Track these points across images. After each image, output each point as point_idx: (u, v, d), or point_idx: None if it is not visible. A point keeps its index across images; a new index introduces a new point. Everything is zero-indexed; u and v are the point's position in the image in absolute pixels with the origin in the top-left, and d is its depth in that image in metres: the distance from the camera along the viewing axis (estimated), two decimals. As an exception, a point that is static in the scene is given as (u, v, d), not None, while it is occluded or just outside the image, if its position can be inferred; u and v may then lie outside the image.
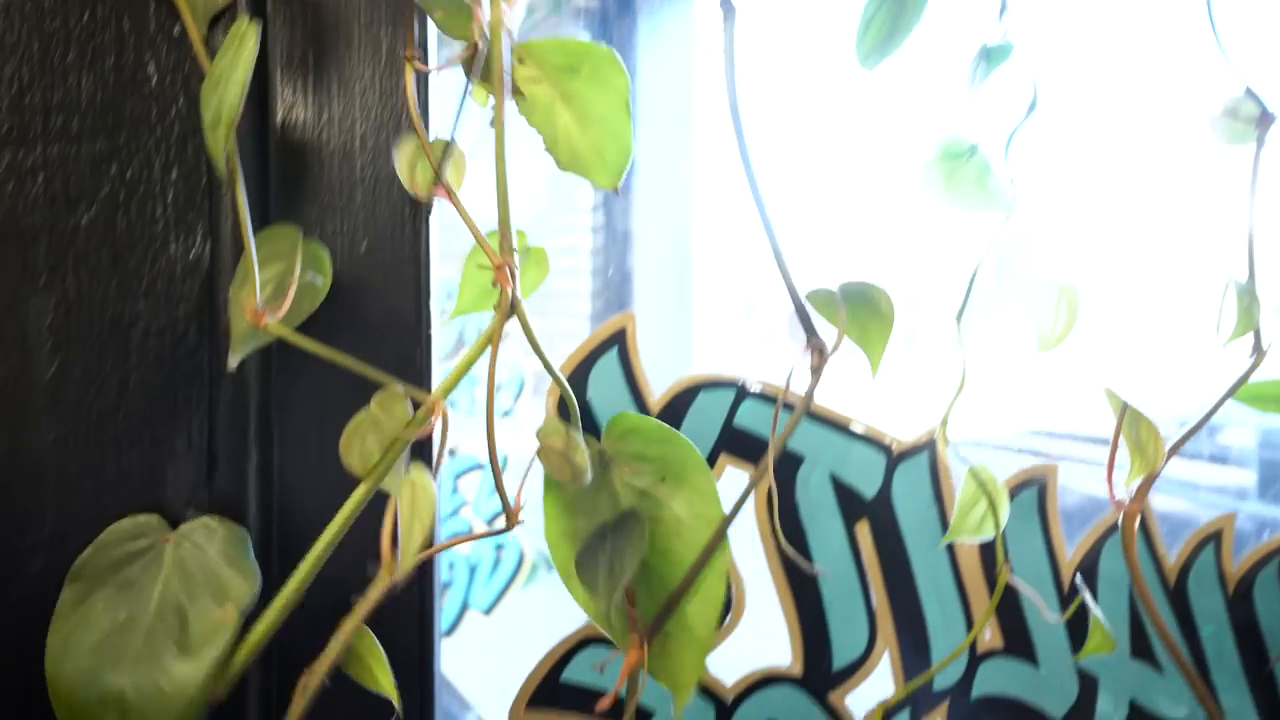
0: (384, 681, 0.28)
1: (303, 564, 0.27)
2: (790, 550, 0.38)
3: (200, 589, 0.27)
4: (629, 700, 0.29)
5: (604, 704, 0.30)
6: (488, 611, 1.20)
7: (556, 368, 0.32)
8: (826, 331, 0.32)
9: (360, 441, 0.28)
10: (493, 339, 0.28)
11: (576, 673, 0.38)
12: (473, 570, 1.20)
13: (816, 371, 0.31)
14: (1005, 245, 0.38)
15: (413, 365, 0.33)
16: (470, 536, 0.28)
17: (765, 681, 0.40)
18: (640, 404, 0.38)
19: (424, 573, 0.34)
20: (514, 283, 0.28)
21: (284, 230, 0.31)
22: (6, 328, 0.29)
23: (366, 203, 0.34)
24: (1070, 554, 0.42)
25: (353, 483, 0.33)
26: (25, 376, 0.29)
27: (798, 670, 0.40)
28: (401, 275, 0.34)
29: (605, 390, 0.38)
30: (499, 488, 0.29)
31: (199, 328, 0.31)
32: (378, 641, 0.28)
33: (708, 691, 0.40)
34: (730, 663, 0.40)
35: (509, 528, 0.29)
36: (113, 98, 0.30)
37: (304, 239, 0.31)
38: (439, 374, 0.35)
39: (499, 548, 1.18)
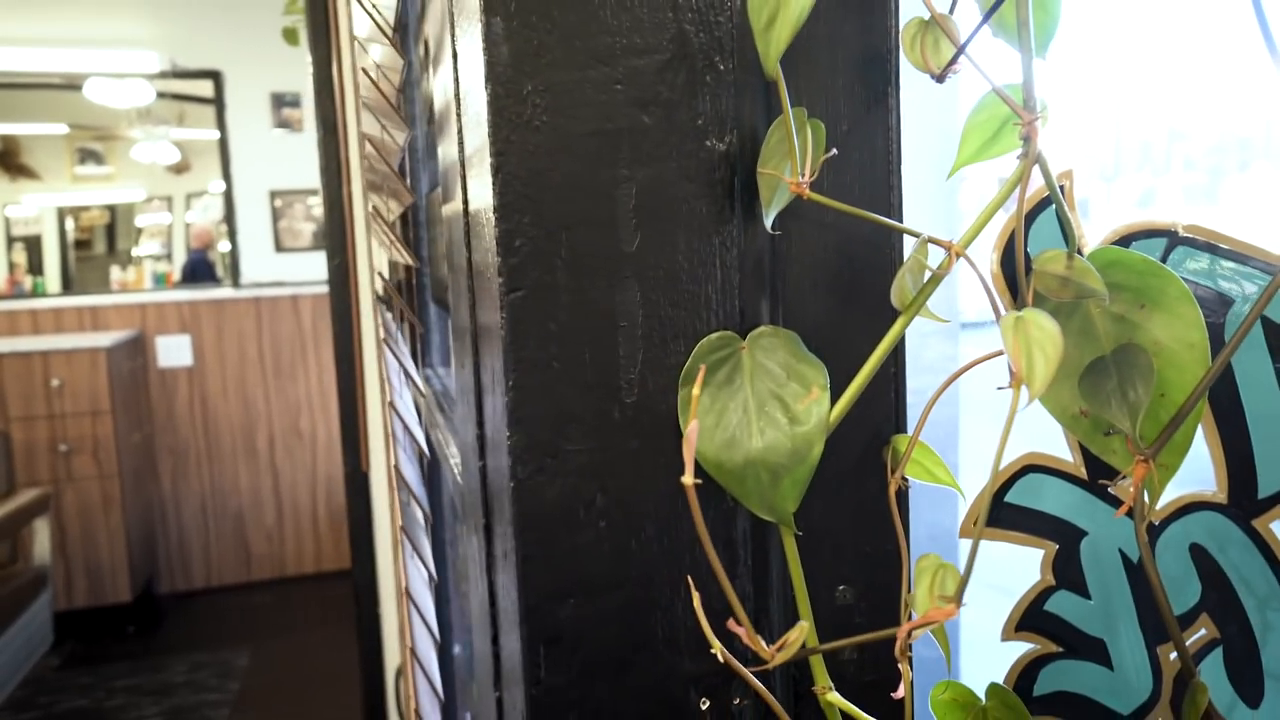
0: (943, 476, 0.35)
1: (859, 374, 0.35)
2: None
3: (785, 380, 0.35)
4: (1138, 515, 0.34)
5: (1122, 511, 0.35)
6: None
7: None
8: None
9: (902, 281, 0.34)
10: (1021, 180, 0.33)
11: (1016, 496, 0.44)
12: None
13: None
14: None
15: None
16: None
17: (1191, 507, 0.44)
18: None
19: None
20: (1038, 135, 0.32)
21: (796, 112, 0.37)
22: (601, 210, 0.36)
23: (847, 85, 0.39)
24: None
25: (843, 328, 0.40)
26: (615, 249, 0.37)
27: (1222, 497, 0.44)
28: (874, 151, 0.39)
29: (1043, 240, 0.42)
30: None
31: (728, 205, 0.38)
32: (931, 447, 0.34)
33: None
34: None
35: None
36: (667, 17, 0.36)
37: (808, 118, 0.37)
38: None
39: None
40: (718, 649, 0.30)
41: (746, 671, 0.32)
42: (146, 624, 3.39)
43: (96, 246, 4.47)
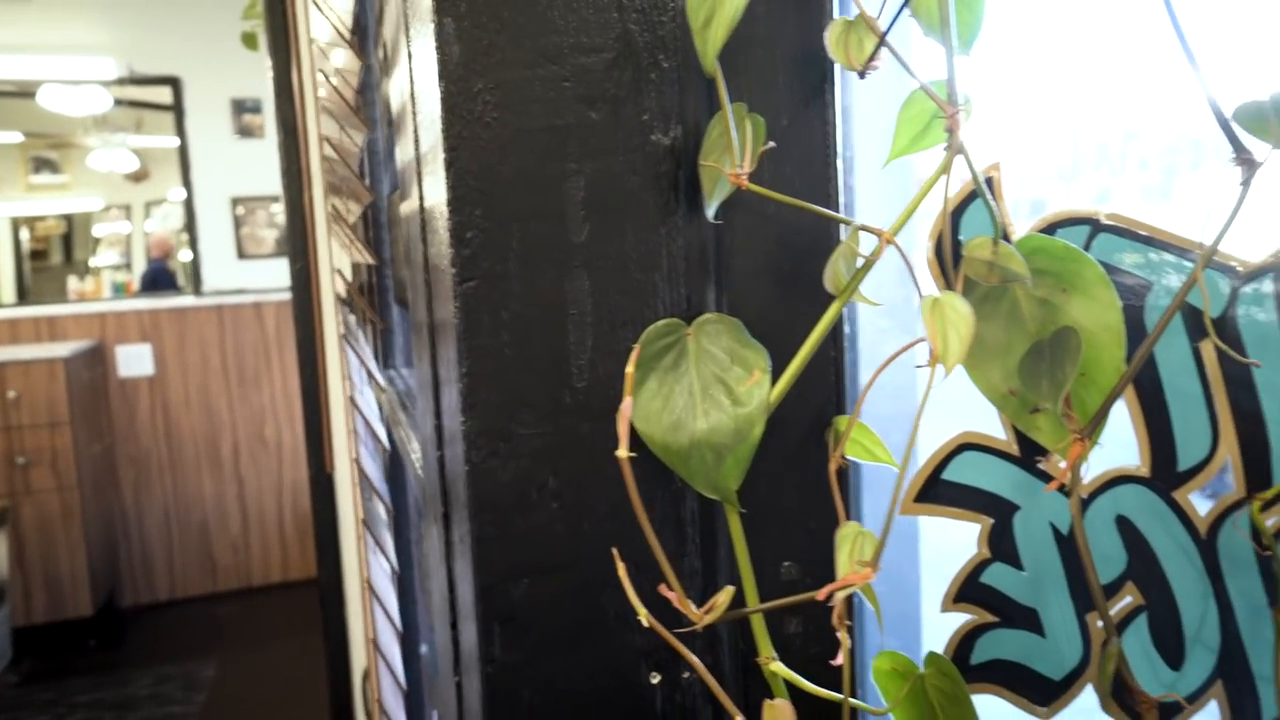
0: (881, 455, 0.37)
1: (797, 356, 0.36)
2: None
3: (729, 364, 0.37)
4: (1073, 490, 0.37)
5: (1052, 486, 0.37)
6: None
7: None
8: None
9: (835, 267, 0.36)
10: (945, 170, 0.35)
11: (953, 473, 0.46)
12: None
13: (1245, 185, 0.35)
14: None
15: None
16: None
17: (1117, 480, 0.46)
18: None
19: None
20: (960, 128, 0.34)
21: (736, 107, 0.38)
22: (551, 203, 0.38)
23: (786, 82, 0.41)
24: None
25: (786, 314, 0.41)
26: (565, 240, 0.38)
27: (1145, 471, 0.46)
28: (814, 144, 0.41)
29: (977, 229, 0.44)
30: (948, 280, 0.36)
31: (674, 197, 0.40)
32: (870, 428, 0.36)
33: (1066, 490, 0.46)
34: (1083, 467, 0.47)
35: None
36: (613, 17, 0.38)
37: (749, 113, 0.38)
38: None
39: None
40: (643, 614, 0.32)
41: (669, 634, 0.34)
42: (109, 638, 3.34)
43: (53, 257, 4.38)
